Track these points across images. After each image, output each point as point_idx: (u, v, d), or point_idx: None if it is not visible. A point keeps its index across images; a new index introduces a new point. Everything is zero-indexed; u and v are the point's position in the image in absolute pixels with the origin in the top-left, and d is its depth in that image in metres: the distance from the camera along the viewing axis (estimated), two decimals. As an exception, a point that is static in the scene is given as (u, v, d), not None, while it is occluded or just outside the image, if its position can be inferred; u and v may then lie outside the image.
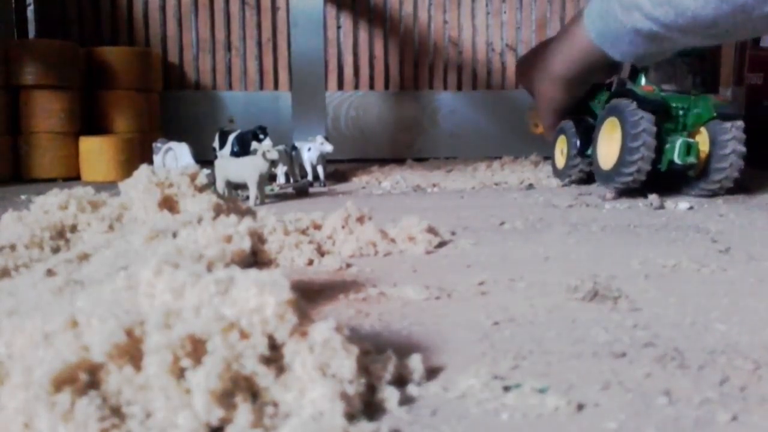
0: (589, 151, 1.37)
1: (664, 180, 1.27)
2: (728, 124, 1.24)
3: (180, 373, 0.36)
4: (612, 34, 1.12)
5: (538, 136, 1.69)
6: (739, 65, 1.51)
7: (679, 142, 1.22)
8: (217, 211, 0.80)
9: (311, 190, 1.43)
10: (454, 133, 2.30)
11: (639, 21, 1.04)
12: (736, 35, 1.02)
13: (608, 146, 1.28)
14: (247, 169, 1.20)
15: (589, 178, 1.43)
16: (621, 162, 1.22)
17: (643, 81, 1.27)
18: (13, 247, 0.72)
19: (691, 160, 1.22)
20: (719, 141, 1.23)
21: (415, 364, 0.42)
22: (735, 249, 0.81)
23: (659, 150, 1.23)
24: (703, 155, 1.25)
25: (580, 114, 1.48)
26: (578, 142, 1.41)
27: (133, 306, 0.43)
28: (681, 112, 1.26)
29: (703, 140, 1.26)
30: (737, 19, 0.94)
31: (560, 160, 1.50)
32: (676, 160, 1.23)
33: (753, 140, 1.59)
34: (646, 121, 1.20)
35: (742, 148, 1.24)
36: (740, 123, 1.25)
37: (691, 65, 1.29)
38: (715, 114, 1.25)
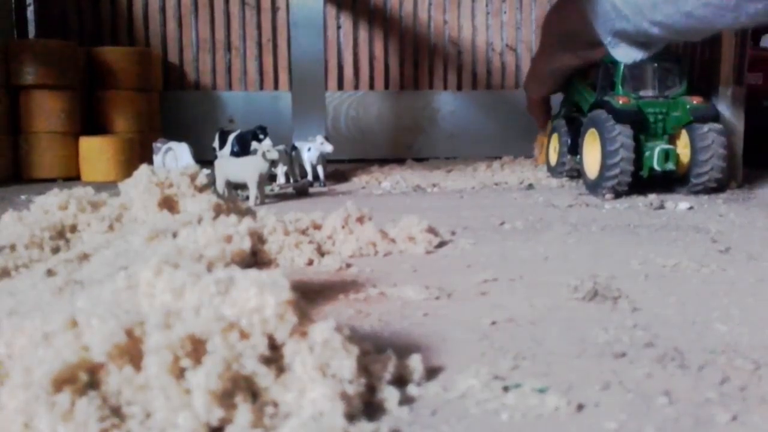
0: (578, 157, 1.39)
1: (650, 180, 1.29)
2: (706, 127, 1.26)
3: (180, 373, 0.36)
4: None
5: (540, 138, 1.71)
6: (739, 65, 1.51)
7: (657, 149, 1.25)
8: (217, 211, 0.80)
9: (311, 190, 1.43)
10: (454, 133, 2.30)
11: None
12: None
13: (592, 156, 1.30)
14: (247, 169, 1.20)
15: (579, 173, 1.45)
16: (603, 168, 1.24)
17: (619, 90, 1.28)
18: (13, 247, 0.72)
19: (670, 167, 1.25)
20: (698, 145, 1.25)
21: (415, 364, 0.42)
22: (735, 249, 0.81)
23: (640, 156, 1.25)
24: (684, 159, 1.27)
25: (572, 113, 1.51)
26: (569, 140, 1.45)
27: (133, 306, 0.43)
28: (659, 117, 1.28)
29: (683, 144, 1.28)
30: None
31: (553, 157, 1.55)
32: (656, 167, 1.25)
33: (753, 140, 1.59)
34: (623, 137, 1.23)
35: (722, 151, 1.25)
36: (719, 125, 1.27)
37: (667, 69, 1.31)
38: (691, 117, 1.26)
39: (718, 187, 1.29)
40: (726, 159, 1.27)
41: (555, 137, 1.54)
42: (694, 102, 1.27)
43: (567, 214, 1.09)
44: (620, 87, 1.29)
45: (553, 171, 1.54)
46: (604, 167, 1.24)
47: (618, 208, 1.15)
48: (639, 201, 1.20)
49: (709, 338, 0.50)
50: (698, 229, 0.94)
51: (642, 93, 1.29)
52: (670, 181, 1.31)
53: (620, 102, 1.25)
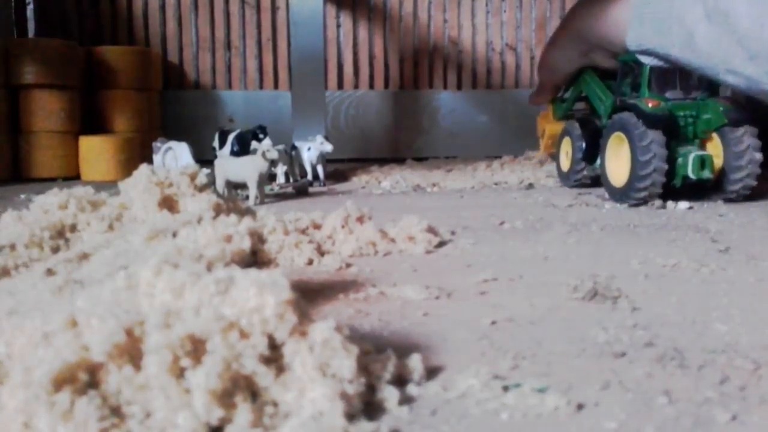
0: (597, 164, 1.29)
1: (678, 189, 1.19)
2: (741, 131, 1.16)
3: (180, 373, 0.36)
4: (650, 13, 1.05)
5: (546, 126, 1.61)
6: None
7: (692, 156, 1.14)
8: (217, 211, 0.80)
9: (311, 189, 1.43)
10: (454, 132, 2.30)
11: (695, 19, 0.97)
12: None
13: (617, 162, 1.20)
14: (246, 169, 1.20)
15: (594, 182, 1.36)
16: (633, 177, 1.14)
17: (646, 92, 1.18)
18: (12, 247, 0.72)
19: (707, 175, 1.14)
20: (733, 150, 1.16)
21: (415, 363, 0.42)
22: (735, 249, 0.81)
23: (671, 164, 1.14)
24: (717, 165, 1.17)
25: (585, 113, 1.42)
26: (584, 145, 1.33)
27: (133, 306, 0.43)
28: (689, 121, 1.17)
29: (715, 147, 1.18)
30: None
31: (565, 163, 1.42)
32: (690, 175, 1.15)
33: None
34: (656, 146, 1.12)
35: (758, 156, 1.17)
36: (753, 128, 1.17)
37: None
38: (726, 120, 1.16)
39: (752, 194, 1.19)
40: (761, 164, 1.18)
41: (567, 141, 1.40)
42: (726, 104, 1.17)
43: (567, 214, 1.09)
44: (646, 89, 1.19)
45: (565, 179, 1.42)
46: (634, 176, 1.14)
47: (618, 207, 1.15)
48: (639, 201, 1.20)
49: (709, 338, 0.50)
50: (698, 229, 0.94)
51: (669, 95, 1.19)
52: (701, 189, 1.20)
53: (650, 105, 1.15)
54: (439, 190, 1.45)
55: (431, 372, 0.43)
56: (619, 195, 1.19)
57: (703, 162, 1.14)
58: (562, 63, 1.39)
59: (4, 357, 0.39)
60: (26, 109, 1.73)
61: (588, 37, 1.27)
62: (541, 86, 1.50)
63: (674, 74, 1.19)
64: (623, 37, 1.15)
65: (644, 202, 1.15)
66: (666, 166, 1.13)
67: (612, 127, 1.22)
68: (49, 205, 0.82)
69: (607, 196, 1.22)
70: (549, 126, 1.53)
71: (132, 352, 0.36)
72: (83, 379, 0.35)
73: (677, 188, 1.17)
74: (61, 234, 0.78)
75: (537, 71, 1.50)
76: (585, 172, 1.37)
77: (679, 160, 1.16)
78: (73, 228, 0.80)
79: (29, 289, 0.59)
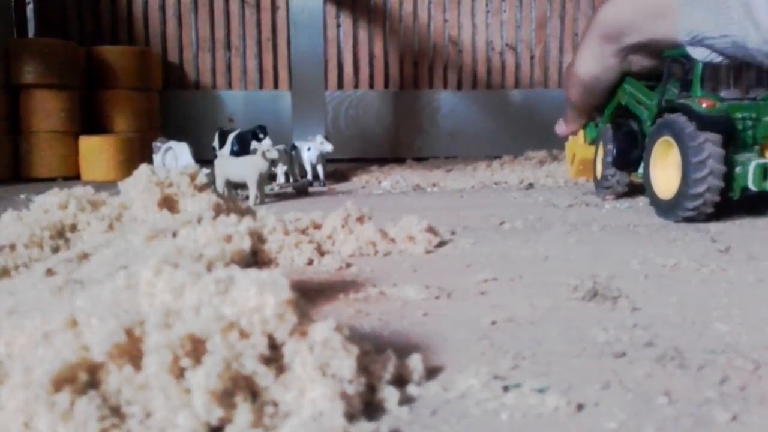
0: (641, 171, 1.14)
1: (733, 204, 1.04)
2: None
3: (180, 373, 0.36)
4: None
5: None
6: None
7: (752, 165, 0.99)
8: (217, 211, 0.80)
9: (311, 189, 1.43)
10: (454, 132, 2.30)
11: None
12: None
13: (664, 171, 1.05)
14: (246, 169, 1.20)
15: (630, 192, 1.24)
16: (683, 193, 0.99)
17: (698, 91, 1.03)
18: (12, 247, 0.72)
19: None
20: None
21: (415, 364, 0.42)
22: (735, 248, 0.81)
23: (728, 174, 1.00)
24: None
25: (619, 117, 1.25)
26: (614, 150, 1.18)
27: (133, 306, 0.43)
28: (748, 124, 1.02)
29: None
30: None
31: (599, 171, 1.27)
32: (751, 186, 0.99)
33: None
34: (711, 145, 0.97)
35: None
36: None
37: (749, 65, 1.03)
38: None
39: None
40: None
41: (601, 146, 1.26)
42: None
43: (567, 213, 1.09)
44: (698, 87, 1.04)
45: (598, 187, 1.28)
46: (684, 188, 0.99)
47: (618, 207, 1.15)
48: (639, 201, 1.20)
49: (709, 338, 0.50)
50: (698, 229, 0.94)
51: (724, 94, 1.04)
52: (762, 202, 1.07)
53: (704, 105, 1.00)
54: (439, 190, 1.45)
55: (431, 372, 0.43)
56: (666, 209, 1.04)
57: (765, 172, 0.99)
58: (600, 73, 1.18)
59: (4, 357, 0.39)
60: (26, 109, 1.73)
61: (627, 35, 1.11)
62: (574, 110, 1.29)
63: (729, 71, 1.05)
64: (672, 28, 1.02)
65: (694, 219, 1.00)
66: (722, 184, 0.98)
67: (658, 131, 1.06)
68: (49, 205, 0.82)
69: (652, 208, 1.08)
70: (580, 150, 1.36)
71: (132, 352, 0.36)
72: (83, 379, 0.35)
73: (734, 201, 1.02)
74: (61, 234, 0.78)
75: (566, 92, 1.27)
76: (618, 180, 1.23)
77: (738, 169, 1.00)
78: (73, 228, 0.80)
79: (29, 289, 0.59)
